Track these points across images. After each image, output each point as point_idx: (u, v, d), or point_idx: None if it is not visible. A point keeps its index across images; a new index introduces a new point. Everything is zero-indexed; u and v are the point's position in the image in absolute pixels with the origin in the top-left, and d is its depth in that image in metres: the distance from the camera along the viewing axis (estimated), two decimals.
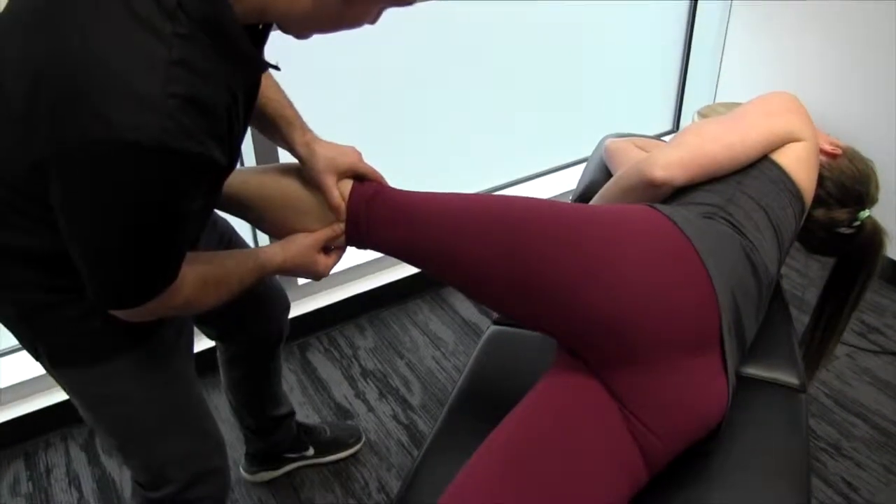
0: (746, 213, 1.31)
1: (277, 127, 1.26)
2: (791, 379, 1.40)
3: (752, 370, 1.41)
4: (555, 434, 1.12)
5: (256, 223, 1.34)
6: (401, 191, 1.30)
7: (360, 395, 2.30)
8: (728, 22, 3.02)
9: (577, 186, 1.88)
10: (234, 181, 1.27)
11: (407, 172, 2.64)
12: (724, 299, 1.16)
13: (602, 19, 2.84)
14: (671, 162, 1.34)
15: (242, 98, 0.98)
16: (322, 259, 1.28)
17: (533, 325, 1.25)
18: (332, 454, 2.07)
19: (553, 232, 1.17)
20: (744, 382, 1.37)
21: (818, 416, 2.17)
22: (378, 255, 2.39)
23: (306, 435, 2.04)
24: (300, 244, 1.26)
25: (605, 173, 1.75)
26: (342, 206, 1.27)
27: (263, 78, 1.18)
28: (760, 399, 1.35)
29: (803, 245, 1.66)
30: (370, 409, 2.25)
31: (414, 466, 1.32)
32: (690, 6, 3.06)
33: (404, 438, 2.14)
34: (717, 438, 1.20)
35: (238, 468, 2.03)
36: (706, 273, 1.16)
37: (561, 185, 2.94)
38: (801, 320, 1.66)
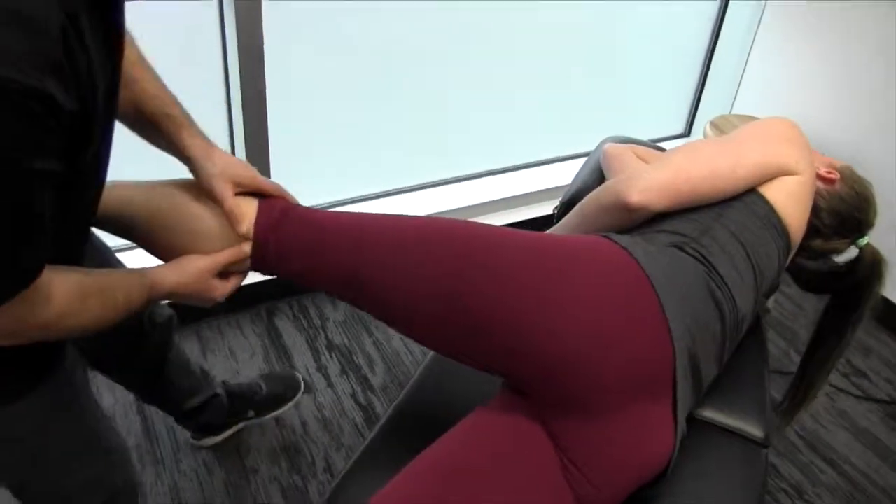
0: (721, 246, 1.23)
1: (162, 127, 1.10)
2: (754, 430, 1.32)
3: (711, 414, 1.33)
4: (487, 469, 1.06)
5: (143, 243, 1.17)
6: (315, 210, 1.18)
7: (321, 368, 2.24)
8: (758, 26, 2.91)
9: (570, 187, 1.81)
10: (117, 193, 1.12)
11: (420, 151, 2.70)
12: (680, 344, 1.09)
13: (625, 11, 2.73)
14: (650, 186, 1.26)
15: (88, 23, 0.77)
16: (219, 285, 1.13)
17: (467, 362, 1.16)
18: (271, 411, 2.04)
19: (500, 267, 1.08)
20: (700, 427, 1.30)
21: (784, 454, 2.10)
22: None
23: (241, 401, 1.98)
24: (195, 268, 1.10)
25: (599, 177, 1.68)
26: (238, 211, 1.13)
27: (143, 70, 1.06)
28: (716, 450, 1.28)
29: (795, 282, 1.58)
30: (330, 384, 2.19)
31: (342, 472, 1.26)
32: (721, 5, 2.94)
33: (359, 419, 2.09)
34: (662, 483, 1.13)
35: (181, 432, 1.99)
36: (662, 316, 1.08)
37: (560, 178, 2.84)
38: (789, 355, 1.58)
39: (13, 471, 1.17)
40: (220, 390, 1.90)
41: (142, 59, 1.08)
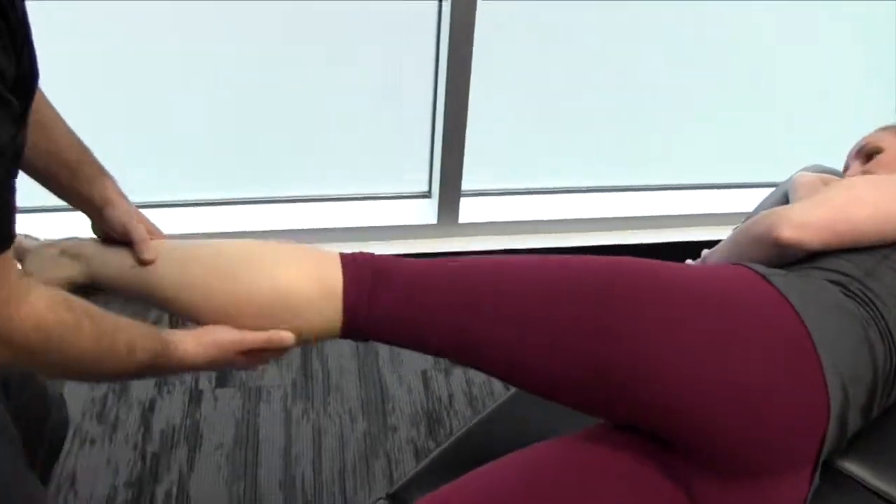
0: (890, 290, 1.11)
1: (80, 173, 1.01)
2: None
3: (857, 470, 1.22)
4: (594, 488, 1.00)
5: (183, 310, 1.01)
6: (412, 263, 1.05)
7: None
8: None
9: (756, 208, 1.73)
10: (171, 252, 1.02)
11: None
12: (835, 405, 0.99)
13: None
14: (806, 223, 1.14)
15: None
16: (244, 362, 1.00)
17: (605, 418, 1.06)
18: None
19: (653, 309, 0.98)
20: (840, 482, 1.19)
21: None
22: None
23: None
24: (222, 339, 0.96)
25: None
26: (144, 239, 1.02)
27: (50, 117, 0.98)
28: None
29: None
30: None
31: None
32: None
33: None
34: None
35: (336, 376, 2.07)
36: (822, 377, 0.98)
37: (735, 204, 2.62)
38: None
39: None
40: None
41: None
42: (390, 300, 1.00)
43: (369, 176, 2.44)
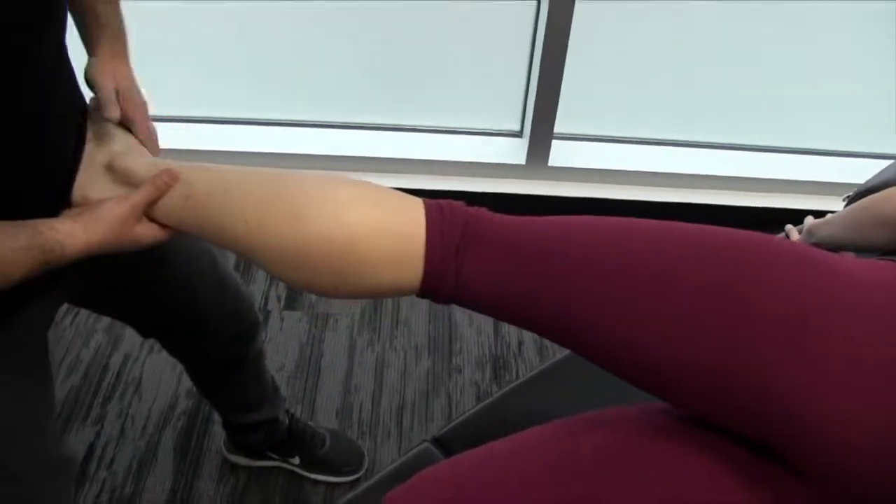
0: None
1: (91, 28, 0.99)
2: None
3: None
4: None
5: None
6: (507, 220, 0.87)
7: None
8: None
9: (874, 178, 1.58)
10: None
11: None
12: None
13: None
14: None
15: None
16: (143, 231, 0.88)
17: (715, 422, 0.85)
18: (317, 473, 1.71)
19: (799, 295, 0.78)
20: None
21: None
22: None
23: (295, 441, 1.68)
24: (110, 216, 0.85)
25: None
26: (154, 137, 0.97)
27: None
28: None
29: None
30: None
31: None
32: None
33: None
34: None
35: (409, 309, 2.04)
36: None
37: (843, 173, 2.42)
38: None
39: None
40: (282, 417, 1.64)
41: None
42: (482, 271, 0.84)
43: (461, 110, 2.37)
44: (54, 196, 0.88)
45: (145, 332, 1.30)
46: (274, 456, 1.70)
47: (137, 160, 0.93)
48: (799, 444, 0.77)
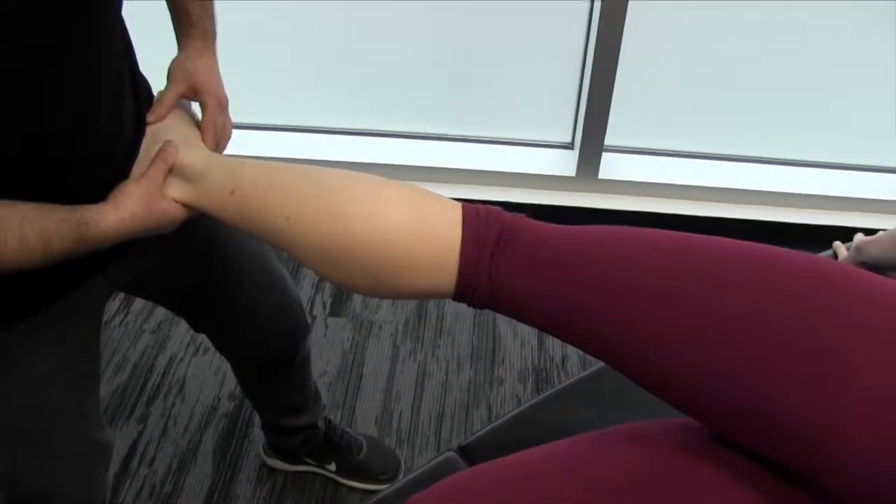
0: None
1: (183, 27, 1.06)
2: None
3: None
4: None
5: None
6: (546, 228, 0.85)
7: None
8: None
9: None
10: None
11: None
12: None
13: None
14: None
15: None
16: (170, 206, 0.91)
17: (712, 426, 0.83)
18: (353, 480, 1.71)
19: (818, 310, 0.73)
20: None
21: None
22: None
23: (331, 447, 1.68)
24: (136, 191, 0.88)
25: None
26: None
27: None
28: None
29: None
30: None
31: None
32: None
33: None
34: None
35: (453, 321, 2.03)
36: None
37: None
38: None
39: None
40: (320, 423, 1.64)
41: None
42: (516, 277, 0.82)
43: (512, 120, 2.35)
44: (104, 183, 0.90)
45: (196, 325, 1.33)
46: (311, 461, 1.70)
47: (192, 153, 0.95)
48: (822, 469, 0.73)
